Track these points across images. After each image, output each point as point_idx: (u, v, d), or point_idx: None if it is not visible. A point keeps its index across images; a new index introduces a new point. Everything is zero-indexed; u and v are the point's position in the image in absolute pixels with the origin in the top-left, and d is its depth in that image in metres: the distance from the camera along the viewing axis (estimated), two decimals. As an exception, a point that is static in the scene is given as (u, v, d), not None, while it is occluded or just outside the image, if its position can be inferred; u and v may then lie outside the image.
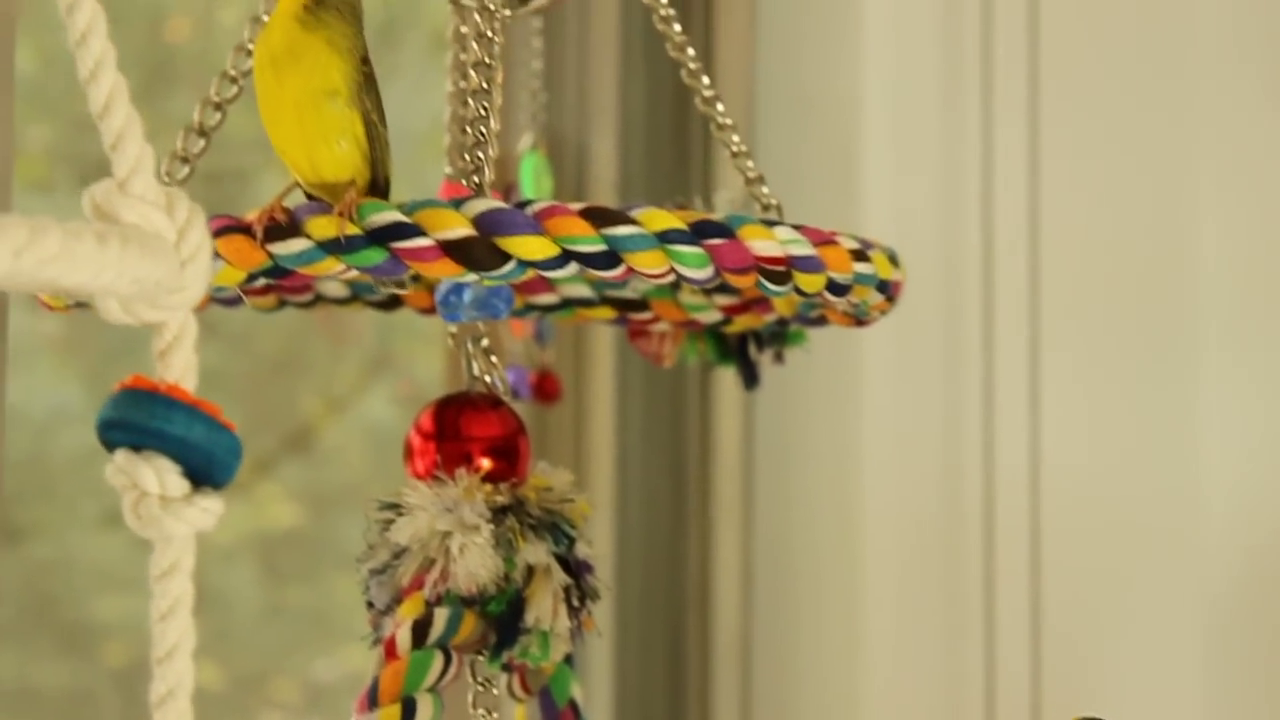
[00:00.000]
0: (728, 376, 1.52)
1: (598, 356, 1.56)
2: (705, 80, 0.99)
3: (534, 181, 1.30)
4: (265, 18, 0.93)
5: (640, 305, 1.08)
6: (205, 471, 0.49)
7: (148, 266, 0.45)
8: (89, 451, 1.78)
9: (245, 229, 0.78)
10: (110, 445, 0.50)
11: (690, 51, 0.99)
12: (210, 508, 0.49)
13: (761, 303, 1.04)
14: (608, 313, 1.09)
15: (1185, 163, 1.48)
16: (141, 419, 0.49)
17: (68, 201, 1.71)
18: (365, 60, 0.84)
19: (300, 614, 1.96)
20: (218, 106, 0.93)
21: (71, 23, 0.46)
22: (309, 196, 0.85)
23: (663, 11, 0.98)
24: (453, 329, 0.96)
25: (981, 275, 1.55)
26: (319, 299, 1.04)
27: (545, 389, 1.32)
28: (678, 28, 0.98)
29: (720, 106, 0.99)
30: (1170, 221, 1.49)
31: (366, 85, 0.84)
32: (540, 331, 1.31)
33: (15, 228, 0.39)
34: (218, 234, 0.78)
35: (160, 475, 0.48)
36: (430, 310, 1.03)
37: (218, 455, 0.49)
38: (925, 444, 1.56)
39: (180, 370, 0.49)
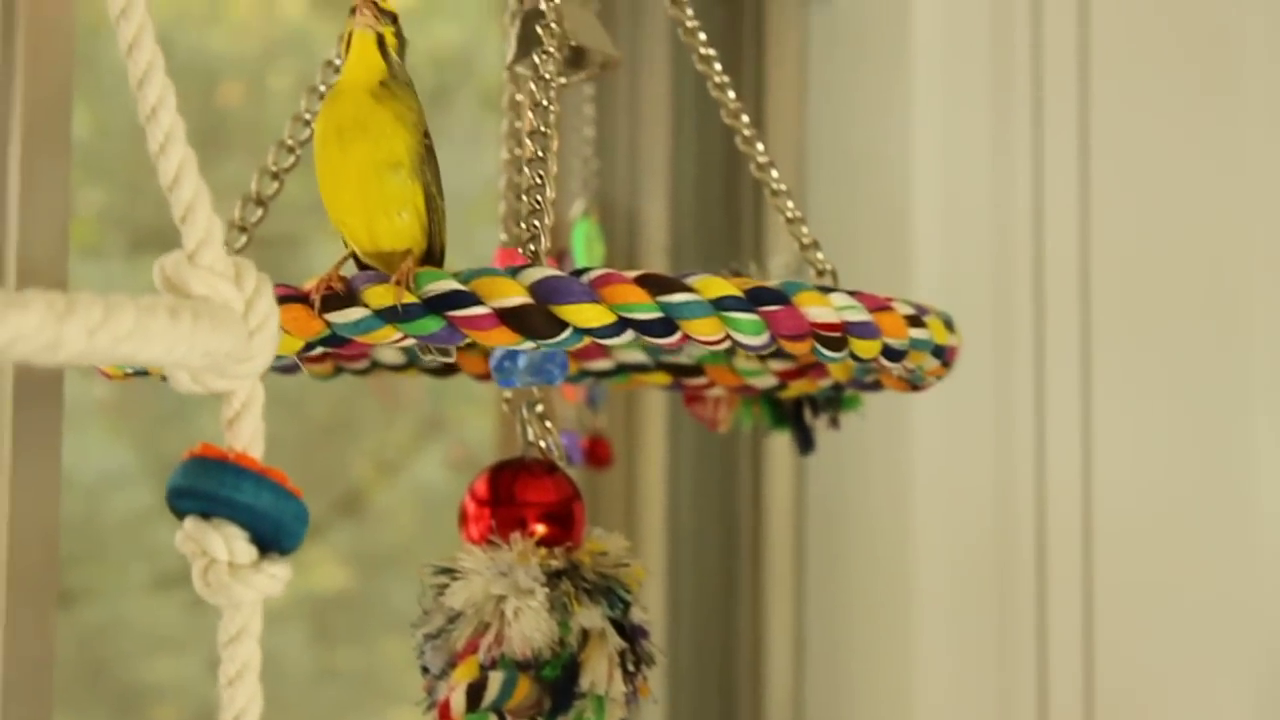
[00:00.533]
0: (779, 441, 1.53)
1: (649, 422, 1.56)
2: (760, 147, 0.99)
3: (586, 248, 1.30)
4: (323, 88, 0.94)
5: (695, 370, 1.08)
6: (273, 538, 0.50)
7: (218, 338, 0.45)
8: (140, 515, 1.78)
9: (303, 298, 0.79)
10: (180, 513, 0.50)
11: (745, 119, 0.99)
12: (278, 574, 0.49)
13: (817, 368, 1.04)
14: (663, 378, 1.09)
15: (1236, 208, 1.47)
16: (210, 487, 0.49)
17: (119, 268, 1.72)
18: (426, 133, 0.85)
19: (351, 677, 1.95)
20: (275, 176, 0.93)
21: (141, 97, 0.47)
22: (361, 265, 0.86)
23: (717, 79, 0.99)
24: (508, 394, 0.97)
25: (1033, 337, 1.55)
26: (375, 366, 1.04)
27: (597, 454, 1.32)
28: (732, 94, 0.99)
29: (775, 173, 0.99)
30: (1222, 274, 1.48)
31: (427, 157, 0.84)
32: (592, 396, 1.31)
33: (90, 306, 0.40)
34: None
35: (229, 542, 0.49)
36: (484, 376, 1.03)
37: (285, 522, 0.50)
38: (978, 509, 1.56)
39: (248, 438, 0.49)
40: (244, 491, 0.49)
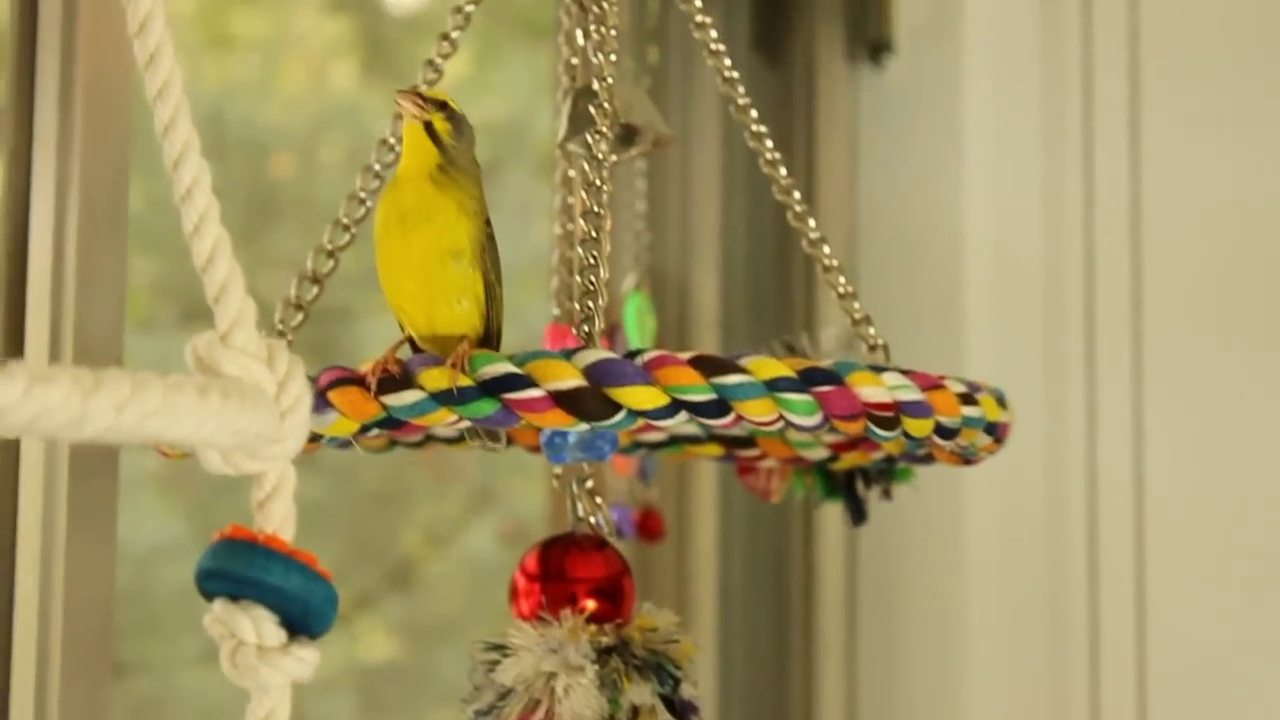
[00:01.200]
0: (830, 514, 1.52)
1: (701, 495, 1.55)
2: (812, 223, 0.98)
3: (638, 321, 1.30)
4: (377, 167, 0.93)
5: (748, 442, 1.08)
6: (302, 621, 0.49)
7: (248, 419, 0.45)
8: (192, 587, 1.78)
9: (359, 381, 0.79)
10: (209, 594, 0.50)
11: (796, 195, 0.98)
12: (306, 657, 0.49)
13: (869, 440, 1.03)
14: (715, 450, 1.09)
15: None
16: (239, 569, 0.49)
17: (171, 340, 1.72)
18: (488, 221, 0.85)
19: (399, 747, 1.95)
20: (331, 254, 0.93)
21: (177, 178, 0.47)
22: (415, 348, 0.85)
23: (769, 156, 0.98)
24: (558, 469, 0.96)
25: (1085, 409, 1.54)
26: (429, 439, 1.04)
27: (649, 528, 1.32)
28: (783, 171, 0.98)
29: (826, 248, 0.98)
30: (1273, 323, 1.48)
31: (488, 245, 0.84)
32: (644, 470, 1.31)
33: (117, 381, 0.39)
34: (332, 386, 0.78)
35: (257, 625, 0.48)
36: (538, 449, 1.03)
37: (314, 605, 0.49)
38: (1030, 583, 1.54)
39: (279, 520, 0.49)
40: (273, 574, 0.49)
